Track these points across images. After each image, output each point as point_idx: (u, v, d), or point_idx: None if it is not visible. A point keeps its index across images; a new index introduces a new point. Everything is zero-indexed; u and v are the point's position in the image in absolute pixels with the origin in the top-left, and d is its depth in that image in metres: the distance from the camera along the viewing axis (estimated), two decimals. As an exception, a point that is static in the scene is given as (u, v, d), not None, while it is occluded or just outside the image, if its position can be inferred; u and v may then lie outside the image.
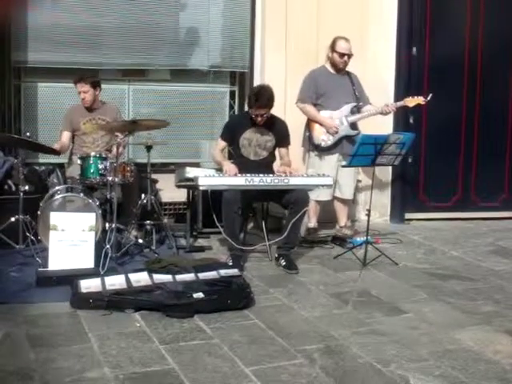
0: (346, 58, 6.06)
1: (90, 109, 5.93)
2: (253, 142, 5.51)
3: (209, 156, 6.83)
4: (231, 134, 5.58)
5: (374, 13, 6.98)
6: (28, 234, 5.13)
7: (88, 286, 4.29)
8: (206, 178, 5.19)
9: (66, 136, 5.91)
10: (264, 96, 5.31)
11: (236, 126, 5.61)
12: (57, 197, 5.27)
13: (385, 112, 6.12)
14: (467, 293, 4.77)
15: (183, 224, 6.14)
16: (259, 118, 5.40)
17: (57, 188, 5.48)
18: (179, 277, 4.50)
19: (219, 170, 5.70)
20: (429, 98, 6.04)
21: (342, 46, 6.04)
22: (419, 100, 6.07)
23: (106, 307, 4.11)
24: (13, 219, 5.19)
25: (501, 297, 4.69)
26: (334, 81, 6.12)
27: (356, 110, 6.14)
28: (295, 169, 5.56)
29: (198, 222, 6.13)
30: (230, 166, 5.36)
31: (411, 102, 6.09)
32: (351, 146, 5.76)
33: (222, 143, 5.65)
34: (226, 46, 7.02)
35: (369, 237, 5.49)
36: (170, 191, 6.48)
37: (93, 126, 5.90)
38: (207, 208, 5.56)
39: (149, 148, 5.52)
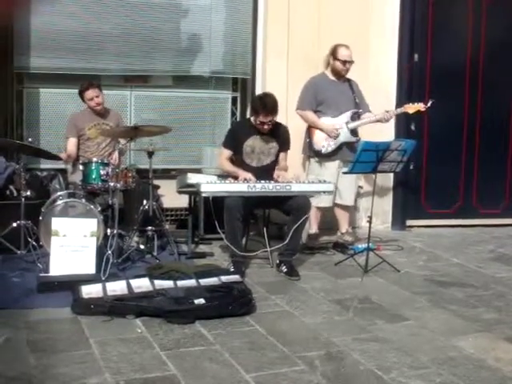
0: (347, 64, 6.07)
1: (98, 114, 5.94)
2: (256, 149, 5.50)
3: (210, 162, 6.85)
4: (234, 141, 5.56)
5: (375, 20, 7.00)
6: (30, 240, 5.11)
7: (89, 291, 4.29)
8: (208, 185, 5.19)
9: (73, 143, 5.91)
10: (269, 102, 5.31)
11: (239, 133, 5.60)
12: (58, 202, 5.28)
13: (384, 119, 6.11)
14: (468, 300, 4.76)
15: (185, 230, 6.15)
16: (265, 126, 5.38)
17: (58, 193, 5.48)
18: (180, 283, 4.50)
19: (221, 176, 5.70)
20: (429, 105, 6.02)
21: (343, 54, 6.05)
22: (419, 107, 6.04)
23: (107, 313, 4.11)
24: (14, 225, 5.18)
25: (502, 304, 4.69)
26: (334, 88, 6.13)
27: (356, 116, 6.15)
28: (296, 175, 5.56)
29: (199, 228, 6.12)
30: (247, 174, 5.33)
31: (411, 108, 6.06)
32: (351, 153, 5.77)
33: (228, 152, 5.59)
34: (228, 52, 7.04)
35: (370, 243, 5.49)
36: (171, 197, 6.48)
37: (97, 131, 5.91)
38: (209, 214, 5.55)
39: (150, 154, 5.51)
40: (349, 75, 6.18)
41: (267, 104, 5.30)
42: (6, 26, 6.18)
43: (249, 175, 5.31)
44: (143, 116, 6.86)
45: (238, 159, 5.61)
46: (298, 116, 6.17)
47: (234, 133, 5.66)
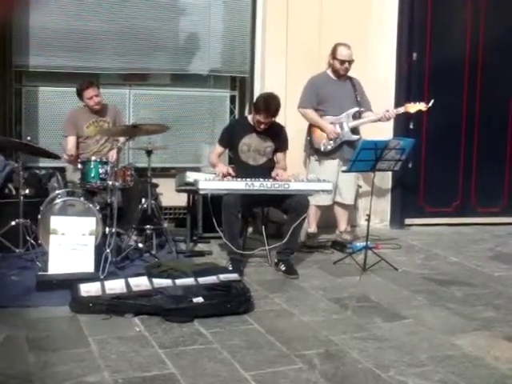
0: (346, 64, 6.07)
1: (95, 111, 5.94)
2: (252, 147, 5.52)
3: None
4: (230, 139, 5.59)
5: (375, 18, 7.01)
6: (28, 238, 5.11)
7: (88, 290, 4.30)
8: (207, 182, 5.19)
9: (73, 142, 5.88)
10: (273, 105, 5.33)
11: (235, 131, 5.62)
12: (57, 201, 5.27)
13: (384, 118, 6.11)
14: (467, 298, 4.77)
15: (183, 228, 6.15)
16: (262, 126, 5.41)
17: (57, 192, 5.47)
18: (179, 281, 4.49)
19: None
20: (430, 104, 6.02)
21: (342, 53, 6.05)
22: (421, 106, 6.04)
23: (105, 311, 4.12)
24: (13, 223, 5.18)
25: (500, 302, 4.70)
26: (335, 87, 6.13)
27: (358, 115, 6.15)
28: (294, 175, 5.56)
29: (198, 227, 6.13)
30: (221, 168, 5.38)
31: (412, 107, 6.05)
32: (352, 151, 5.75)
33: (220, 148, 5.67)
34: (227, 50, 7.04)
35: (368, 242, 5.49)
36: (170, 196, 6.48)
37: (96, 129, 5.91)
38: (207, 213, 5.56)
39: (149, 152, 5.52)
40: (349, 73, 6.17)
41: (270, 106, 5.32)
42: (5, 24, 6.17)
43: (226, 170, 5.33)
44: (142, 114, 6.85)
45: (234, 158, 5.63)
46: (297, 115, 6.18)
47: (231, 130, 5.68)
